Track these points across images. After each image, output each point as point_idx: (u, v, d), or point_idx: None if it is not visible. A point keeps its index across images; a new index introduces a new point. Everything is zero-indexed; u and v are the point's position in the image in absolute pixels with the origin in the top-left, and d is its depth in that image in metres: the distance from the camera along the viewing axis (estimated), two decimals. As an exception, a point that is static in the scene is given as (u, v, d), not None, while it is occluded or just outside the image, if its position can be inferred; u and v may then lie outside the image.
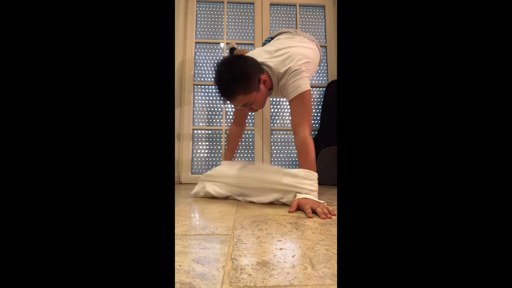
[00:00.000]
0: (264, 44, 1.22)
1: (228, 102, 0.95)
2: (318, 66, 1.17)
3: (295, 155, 1.79)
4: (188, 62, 1.81)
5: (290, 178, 0.85)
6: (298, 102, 0.93)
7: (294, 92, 0.93)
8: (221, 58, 0.94)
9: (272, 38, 1.19)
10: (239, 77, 0.88)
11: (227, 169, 1.04)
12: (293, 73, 0.93)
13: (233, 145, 1.25)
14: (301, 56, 0.96)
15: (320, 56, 1.16)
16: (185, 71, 1.80)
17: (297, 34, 1.13)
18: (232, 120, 1.27)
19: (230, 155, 1.24)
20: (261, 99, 0.97)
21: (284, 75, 0.95)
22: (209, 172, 1.08)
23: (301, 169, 0.86)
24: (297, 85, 0.92)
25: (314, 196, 0.80)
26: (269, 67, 0.97)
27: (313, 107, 1.84)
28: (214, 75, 0.92)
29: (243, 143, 1.80)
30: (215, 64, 0.93)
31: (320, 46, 1.88)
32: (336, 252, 0.42)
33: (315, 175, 0.85)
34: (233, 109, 1.26)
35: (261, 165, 1.04)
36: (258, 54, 1.03)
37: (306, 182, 0.83)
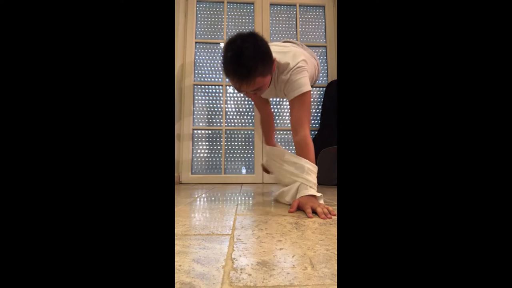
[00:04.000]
0: None
1: (238, 84, 0.82)
2: (313, 84, 1.14)
3: (295, 155, 1.79)
4: (188, 62, 1.81)
5: (296, 170, 0.86)
6: (299, 101, 0.92)
7: (297, 91, 0.91)
8: (235, 33, 0.82)
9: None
10: (262, 56, 0.80)
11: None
12: (296, 69, 0.92)
13: (272, 130, 1.25)
14: (302, 55, 0.96)
15: (317, 75, 1.16)
16: (185, 71, 1.80)
17: (303, 47, 1.13)
18: (256, 109, 1.23)
19: (272, 141, 1.26)
20: (267, 85, 0.90)
21: (287, 70, 0.93)
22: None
23: (306, 161, 0.85)
24: (300, 85, 0.91)
25: (315, 191, 0.81)
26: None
27: (313, 107, 1.84)
28: (228, 50, 0.79)
29: (243, 143, 1.80)
30: (229, 40, 0.81)
31: (320, 46, 1.90)
32: (336, 252, 0.42)
33: (315, 168, 0.86)
34: (251, 101, 1.22)
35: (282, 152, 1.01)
36: None
37: (311, 176, 0.83)
